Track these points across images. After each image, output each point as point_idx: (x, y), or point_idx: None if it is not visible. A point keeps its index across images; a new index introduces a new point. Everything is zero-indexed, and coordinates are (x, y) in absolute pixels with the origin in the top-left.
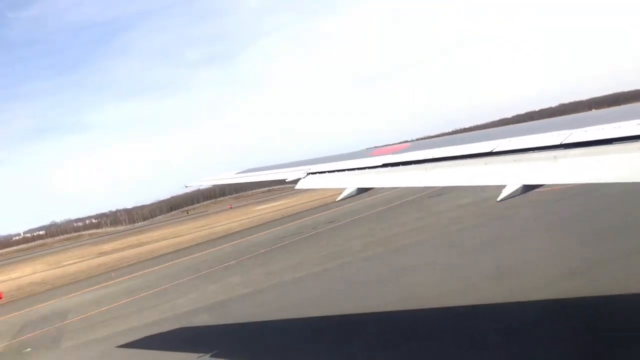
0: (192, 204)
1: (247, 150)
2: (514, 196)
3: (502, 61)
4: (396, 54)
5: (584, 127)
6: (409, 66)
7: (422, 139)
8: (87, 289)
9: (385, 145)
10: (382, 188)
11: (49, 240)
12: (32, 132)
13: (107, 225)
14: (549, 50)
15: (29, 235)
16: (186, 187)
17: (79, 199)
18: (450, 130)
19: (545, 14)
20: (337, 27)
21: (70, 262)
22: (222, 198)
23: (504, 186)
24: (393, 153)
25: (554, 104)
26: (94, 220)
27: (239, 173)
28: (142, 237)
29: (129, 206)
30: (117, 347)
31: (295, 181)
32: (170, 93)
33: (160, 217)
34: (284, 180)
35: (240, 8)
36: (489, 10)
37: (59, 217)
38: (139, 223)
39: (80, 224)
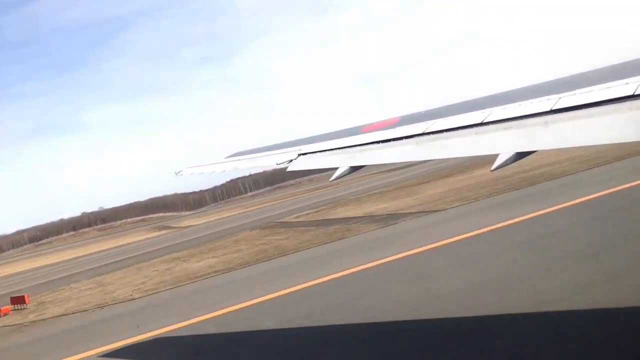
0: (63, 233)
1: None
2: (507, 164)
3: (502, 61)
4: (396, 54)
5: (574, 90)
6: (409, 66)
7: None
8: None
9: (376, 122)
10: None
11: None
12: (30, 133)
13: None
14: (549, 51)
15: None
16: (176, 174)
17: (78, 198)
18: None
19: (545, 14)
20: (337, 27)
21: None
22: (97, 226)
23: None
24: (384, 129)
25: None
26: None
27: (228, 157)
28: None
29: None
30: (99, 357)
31: (287, 163)
32: (170, 93)
33: None
34: (275, 163)
35: (239, 8)
36: (489, 10)
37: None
38: None
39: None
